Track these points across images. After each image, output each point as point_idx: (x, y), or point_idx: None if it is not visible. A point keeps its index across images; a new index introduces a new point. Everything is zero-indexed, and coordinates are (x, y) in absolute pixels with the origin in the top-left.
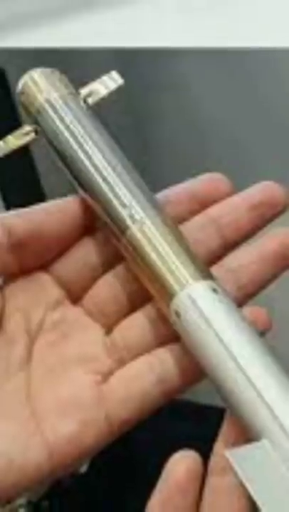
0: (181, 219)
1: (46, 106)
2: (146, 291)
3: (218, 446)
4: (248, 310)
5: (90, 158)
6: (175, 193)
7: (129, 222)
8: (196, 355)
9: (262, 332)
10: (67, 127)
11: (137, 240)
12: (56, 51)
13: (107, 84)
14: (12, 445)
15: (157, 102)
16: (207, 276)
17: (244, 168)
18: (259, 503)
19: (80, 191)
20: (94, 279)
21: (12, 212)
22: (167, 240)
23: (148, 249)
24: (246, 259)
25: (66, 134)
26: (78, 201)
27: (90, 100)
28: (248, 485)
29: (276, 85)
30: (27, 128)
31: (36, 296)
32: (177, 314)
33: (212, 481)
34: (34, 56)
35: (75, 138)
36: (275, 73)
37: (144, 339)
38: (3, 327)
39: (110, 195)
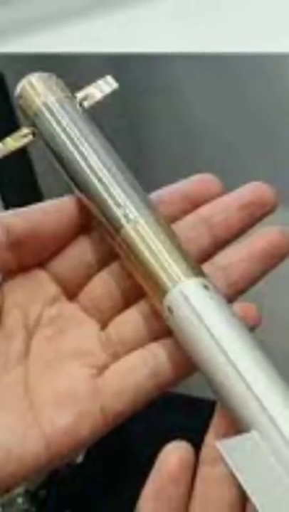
0: (174, 218)
1: (43, 109)
2: (140, 288)
3: (209, 438)
4: (238, 306)
5: (85, 159)
6: (168, 193)
7: (123, 221)
8: (188, 349)
9: (251, 327)
10: (64, 130)
11: (131, 238)
12: (53, 56)
13: (102, 88)
14: (11, 436)
15: (151, 106)
16: (199, 273)
17: (234, 169)
18: (249, 492)
19: (76, 191)
20: (89, 276)
21: (11, 212)
22: (160, 238)
23: (142, 247)
24: (236, 257)
25: (63, 136)
26: (74, 201)
27: (86, 103)
28: (238, 475)
29: (265, 89)
30: (25, 130)
31: (34, 293)
32: (170, 310)
33: (203, 470)
34: (32, 61)
35: (72, 140)
36: (264, 77)
37: (138, 334)
38: (2, 322)
39: (105, 195)
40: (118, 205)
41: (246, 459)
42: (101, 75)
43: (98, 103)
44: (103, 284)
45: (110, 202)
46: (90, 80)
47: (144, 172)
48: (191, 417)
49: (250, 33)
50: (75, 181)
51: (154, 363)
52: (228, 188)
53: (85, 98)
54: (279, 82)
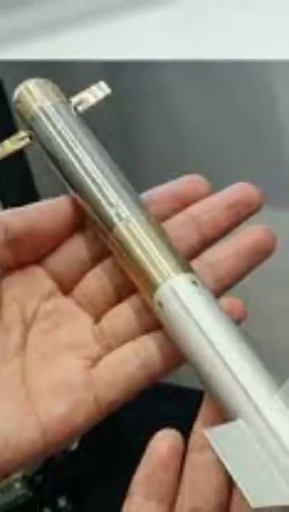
0: (164, 217)
1: (40, 113)
2: (131, 284)
3: (198, 426)
4: (225, 301)
5: (80, 161)
6: (158, 193)
7: (116, 220)
8: (177, 341)
9: (238, 321)
10: (59, 133)
11: (123, 236)
12: (49, 63)
13: (95, 93)
14: (9, 424)
15: (142, 110)
16: (187, 269)
17: (221, 171)
18: (235, 477)
19: (71, 192)
20: (84, 272)
21: (8, 211)
22: (151, 236)
23: (133, 244)
24: (223, 254)
25: (58, 139)
26: (69, 201)
27: (80, 108)
28: (224, 461)
29: (250, 94)
30: (22, 133)
31: (31, 288)
32: (160, 304)
33: (192, 457)
34: (29, 67)
35: (67, 143)
36: (249, 83)
37: (130, 327)
38: (0, 316)
39: (99, 195)
40: (111, 204)
41: (233, 446)
42: (95, 81)
43: (92, 107)
44: (97, 280)
45: (103, 202)
46: (84, 85)
47: (136, 173)
48: (181, 406)
49: (236, 42)
50: (70, 182)
51: (145, 355)
52: (215, 188)
53: (79, 103)
54: (263, 87)
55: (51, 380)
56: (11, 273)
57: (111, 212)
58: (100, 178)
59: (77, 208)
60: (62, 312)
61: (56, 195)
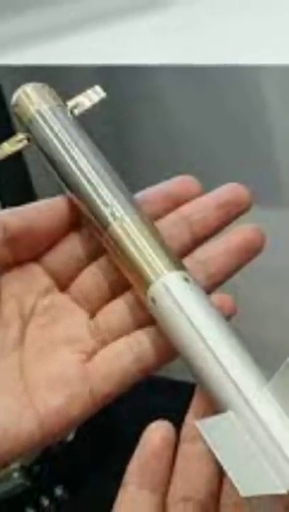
0: (157, 216)
1: (37, 116)
2: (125, 280)
3: (189, 417)
4: (215, 297)
5: (76, 162)
6: (151, 193)
7: (110, 219)
8: (170, 336)
9: (228, 316)
10: (56, 135)
11: (117, 234)
12: (46, 68)
13: (91, 97)
14: (7, 416)
15: (136, 113)
16: (180, 267)
17: (212, 171)
18: (225, 467)
19: (67, 192)
20: (79, 270)
21: (7, 211)
22: (144, 234)
23: (127, 243)
24: (214, 252)
25: (55, 141)
26: (66, 201)
27: (76, 111)
28: (215, 451)
29: (241, 98)
30: (20, 136)
31: (29, 285)
32: (153, 300)
33: (184, 448)
34: (27, 72)
35: (63, 145)
36: (240, 87)
37: (124, 322)
38: None
39: (94, 195)
40: (106, 204)
41: (223, 437)
42: (90, 85)
43: (87, 111)
44: (92, 277)
45: (98, 201)
46: (80, 89)
47: (130, 174)
48: (173, 398)
49: (227, 47)
50: (66, 182)
51: (139, 349)
52: (206, 188)
53: (75, 106)
54: (253, 91)
55: (48, 373)
56: (10, 270)
57: (106, 211)
58: (95, 179)
59: (73, 208)
60: (59, 308)
61: (53, 195)
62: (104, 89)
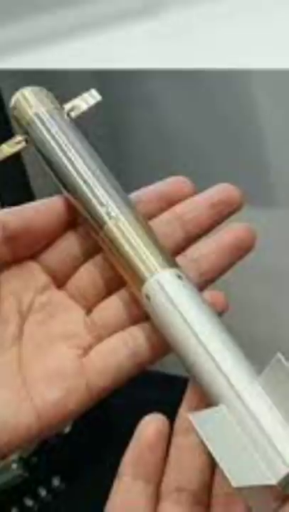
0: (151, 215)
1: (35, 119)
2: (120, 278)
3: (183, 410)
4: (208, 294)
5: (72, 163)
6: (145, 193)
7: (106, 218)
8: (163, 332)
9: (220, 312)
10: (53, 137)
11: (113, 233)
12: (44, 72)
13: (87, 100)
14: (6, 409)
15: (130, 116)
16: (173, 264)
17: (205, 172)
18: (217, 459)
19: (64, 192)
20: (76, 267)
21: (6, 210)
22: (139, 233)
23: (122, 241)
24: (207, 250)
25: (52, 142)
26: (63, 200)
27: (73, 114)
28: (207, 443)
29: (232, 101)
30: (19, 138)
31: (27, 282)
32: (147, 297)
33: (177, 440)
34: (25, 76)
35: (60, 146)
36: (230, 90)
37: (119, 318)
38: None
39: (90, 195)
40: (101, 204)
41: (215, 430)
42: (86, 89)
43: (84, 113)
44: (88, 274)
45: (94, 201)
46: (76, 93)
47: (125, 174)
48: (167, 392)
49: (218, 52)
50: (63, 183)
51: (134, 344)
52: (199, 188)
53: (72, 109)
54: (243, 95)
55: (46, 368)
56: (8, 268)
57: (101, 211)
58: (91, 179)
59: (70, 207)
60: (56, 304)
61: (50, 195)
62: (100, 93)
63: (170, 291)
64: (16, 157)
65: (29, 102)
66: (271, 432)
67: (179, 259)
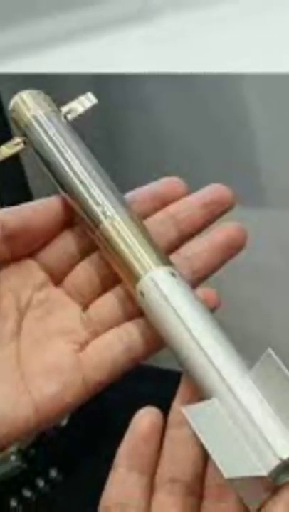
0: (145, 215)
1: (33, 121)
2: (116, 275)
3: (176, 404)
4: (200, 291)
5: (69, 164)
6: (140, 193)
7: (102, 217)
8: (157, 328)
9: (212, 309)
10: (51, 139)
11: (108, 232)
12: (41, 75)
13: (83, 103)
14: (5, 403)
15: (126, 119)
16: (167, 262)
17: (197, 173)
18: (209, 451)
19: (62, 192)
20: (73, 265)
21: (5, 210)
22: (133, 232)
23: (118, 240)
24: (199, 249)
25: (50, 144)
26: (60, 200)
27: (70, 116)
28: (200, 436)
29: (224, 104)
30: (17, 139)
31: (25, 279)
32: (142, 294)
33: (171, 432)
34: (24, 80)
35: (57, 148)
36: (224, 94)
37: (115, 315)
38: None
39: (86, 195)
40: (97, 203)
41: (208, 423)
42: (83, 92)
43: (80, 116)
44: (84, 272)
45: (90, 201)
46: (73, 96)
47: (120, 175)
48: (161, 386)
49: (211, 57)
50: (60, 183)
51: (129, 340)
52: (192, 189)
53: (69, 112)
54: (236, 98)
55: (44, 362)
56: (7, 266)
57: (97, 210)
58: (88, 180)
59: (67, 207)
60: (54, 301)
61: (48, 195)
62: (96, 96)
63: (164, 289)
64: (15, 158)
65: (27, 104)
66: (262, 424)
67: (173, 257)
